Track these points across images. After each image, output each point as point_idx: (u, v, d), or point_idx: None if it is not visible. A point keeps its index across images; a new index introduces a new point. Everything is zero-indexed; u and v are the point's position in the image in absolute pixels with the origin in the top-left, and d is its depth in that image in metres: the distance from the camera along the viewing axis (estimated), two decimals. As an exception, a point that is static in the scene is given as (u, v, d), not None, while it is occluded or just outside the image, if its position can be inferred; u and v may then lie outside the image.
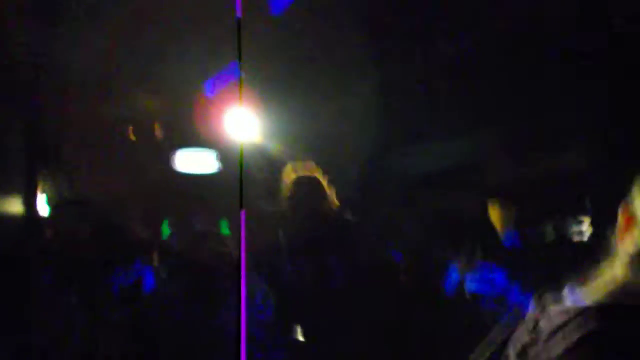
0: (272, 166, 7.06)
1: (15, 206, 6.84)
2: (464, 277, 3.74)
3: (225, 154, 6.64)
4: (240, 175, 1.08)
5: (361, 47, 5.26)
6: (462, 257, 3.96)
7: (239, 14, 1.20)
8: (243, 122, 4.30)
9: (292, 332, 3.89)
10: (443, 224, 5.68)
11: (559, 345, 0.91)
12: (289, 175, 4.10)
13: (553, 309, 1.00)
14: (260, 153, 6.16)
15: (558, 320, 0.95)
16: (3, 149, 6.12)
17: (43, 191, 8.24)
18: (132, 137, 8.22)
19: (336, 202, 4.11)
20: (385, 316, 3.71)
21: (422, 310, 3.74)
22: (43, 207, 8.27)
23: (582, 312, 0.93)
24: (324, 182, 4.11)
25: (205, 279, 2.49)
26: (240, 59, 1.25)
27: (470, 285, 3.75)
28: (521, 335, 1.04)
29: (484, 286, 3.69)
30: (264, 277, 3.73)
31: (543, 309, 1.02)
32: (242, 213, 1.05)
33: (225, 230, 6.80)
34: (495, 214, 4.49)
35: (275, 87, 5.82)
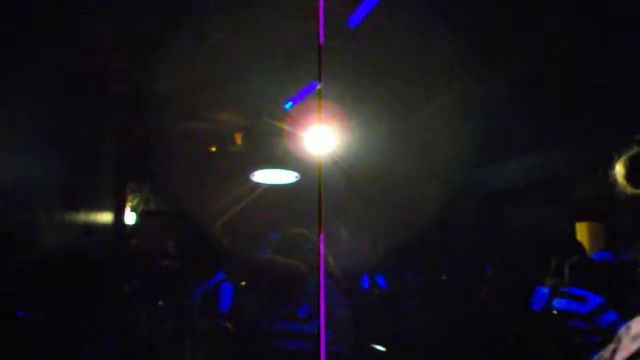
0: (350, 181, 7.11)
1: (106, 217, 7.24)
2: (552, 294, 3.60)
3: (304, 169, 6.73)
4: (320, 193, 1.09)
5: (445, 59, 5.19)
6: (550, 274, 3.81)
7: (321, 40, 1.23)
8: (322, 139, 4.35)
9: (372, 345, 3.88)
10: (531, 240, 5.49)
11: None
12: None
13: (634, 320, 0.99)
14: (339, 168, 6.20)
15: (637, 329, 0.95)
16: (94, 163, 6.49)
17: (131, 203, 8.68)
18: (216, 152, 8.51)
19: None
20: (472, 331, 3.63)
21: (508, 326, 3.64)
22: (131, 219, 8.70)
23: None
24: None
25: (287, 289, 2.52)
26: (320, 79, 1.27)
27: (558, 303, 3.60)
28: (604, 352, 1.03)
29: (572, 304, 3.53)
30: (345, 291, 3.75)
31: (627, 328, 1.01)
32: (322, 236, 1.06)
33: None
34: (584, 232, 4.29)
35: (355, 102, 5.85)
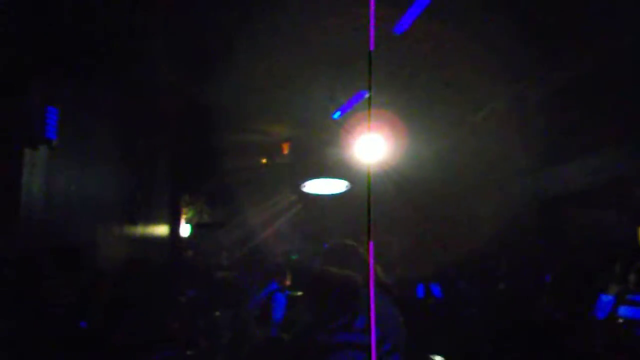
0: (401, 190, 7.05)
1: (162, 230, 7.42)
2: (617, 301, 3.45)
3: (354, 178, 6.72)
4: (369, 204, 1.08)
5: (499, 60, 5.09)
6: (613, 280, 3.65)
7: (372, 47, 1.22)
8: (372, 147, 4.33)
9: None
10: (593, 246, 5.29)
11: None
12: None
13: None
14: (389, 177, 6.16)
15: None
16: (151, 177, 6.66)
17: (186, 216, 8.87)
18: (267, 163, 8.61)
19: None
20: (530, 338, 3.53)
21: (569, 334, 3.51)
22: (186, 231, 8.90)
23: None
24: None
25: (344, 300, 2.51)
26: (370, 88, 1.26)
27: (623, 310, 3.45)
28: None
29: (638, 311, 3.37)
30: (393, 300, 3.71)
31: None
32: (371, 244, 1.05)
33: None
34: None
35: (405, 110, 5.80)
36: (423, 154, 6.46)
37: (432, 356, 3.65)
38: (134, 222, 5.92)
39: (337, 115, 6.07)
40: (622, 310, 3.43)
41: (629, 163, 5.66)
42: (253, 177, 8.24)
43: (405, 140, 5.83)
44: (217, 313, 5.18)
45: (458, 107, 6.22)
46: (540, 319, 3.81)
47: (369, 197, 1.12)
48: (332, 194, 7.35)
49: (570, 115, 5.73)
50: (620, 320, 3.39)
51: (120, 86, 5.04)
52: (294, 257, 6.87)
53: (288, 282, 5.12)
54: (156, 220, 6.92)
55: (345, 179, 6.98)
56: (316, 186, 7.46)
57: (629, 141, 5.49)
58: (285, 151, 8.17)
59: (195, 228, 9.04)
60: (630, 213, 5.73)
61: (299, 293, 4.61)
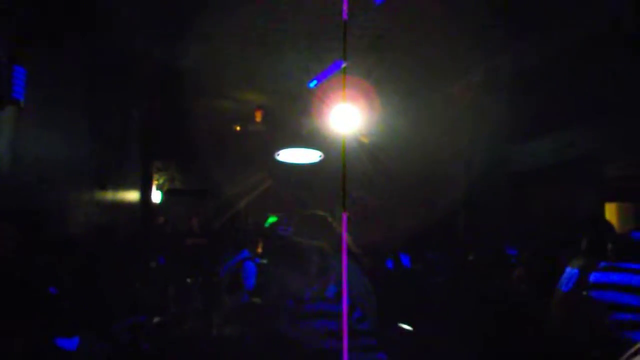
0: (375, 159, 7.08)
1: (133, 195, 7.34)
2: (581, 274, 3.53)
3: (328, 147, 6.71)
4: (344, 171, 1.08)
5: (475, 35, 5.09)
6: (578, 254, 3.74)
7: (345, 15, 1.21)
8: (347, 118, 4.33)
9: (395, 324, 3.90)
10: (559, 220, 5.40)
11: None
12: None
13: None
14: (364, 147, 6.17)
15: None
16: (122, 142, 6.56)
17: (157, 182, 8.79)
18: (241, 131, 8.55)
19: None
20: (500, 311, 3.62)
21: (536, 307, 3.61)
22: (157, 197, 8.81)
23: None
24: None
25: (314, 269, 2.53)
26: (345, 58, 1.25)
27: (611, 277, 3.53)
28: None
29: (632, 278, 3.45)
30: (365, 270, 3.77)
31: None
32: (344, 214, 1.06)
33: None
34: (613, 212, 4.21)
35: (381, 81, 5.79)
36: (397, 125, 6.49)
37: (400, 324, 3.73)
38: (104, 187, 5.84)
39: (312, 84, 6.04)
40: (610, 276, 3.51)
41: (596, 140, 5.77)
42: (225, 144, 8.17)
43: (380, 111, 5.84)
44: (188, 280, 5.18)
45: (433, 79, 6.23)
46: (507, 291, 3.90)
47: (343, 166, 1.12)
48: (306, 164, 7.34)
49: (541, 92, 5.79)
50: (584, 293, 3.48)
51: (92, 49, 4.91)
52: (266, 225, 6.87)
53: (259, 250, 5.13)
54: (127, 186, 6.84)
55: (319, 149, 6.98)
56: (290, 155, 7.44)
57: (596, 119, 5.59)
58: (259, 119, 8.11)
59: (167, 194, 8.97)
60: (597, 189, 5.86)
61: (267, 261, 4.64)
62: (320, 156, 6.95)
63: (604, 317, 3.34)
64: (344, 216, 1.09)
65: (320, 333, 2.28)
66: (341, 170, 1.14)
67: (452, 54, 5.47)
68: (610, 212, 5.32)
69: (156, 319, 3.43)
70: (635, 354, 0.99)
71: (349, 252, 3.41)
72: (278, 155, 7.32)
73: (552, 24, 4.89)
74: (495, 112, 6.30)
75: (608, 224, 3.92)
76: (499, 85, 6.14)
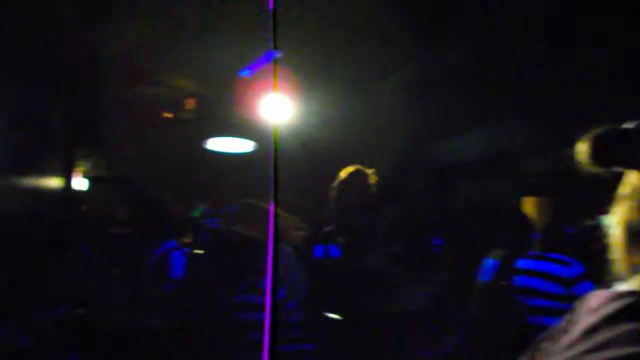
0: (306, 148, 7.12)
1: (55, 182, 7.05)
2: (500, 265, 3.71)
3: (260, 137, 6.69)
4: (275, 162, 1.09)
5: (396, 36, 5.23)
6: (497, 246, 3.92)
7: (271, 6, 1.21)
8: (278, 107, 4.33)
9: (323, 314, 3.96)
10: (480, 213, 5.63)
11: (591, 320, 0.93)
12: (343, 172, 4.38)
13: (593, 293, 1.02)
14: (295, 136, 6.19)
15: (597, 301, 0.97)
16: (44, 129, 6.29)
17: (81, 169, 8.47)
18: (170, 118, 8.36)
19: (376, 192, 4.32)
20: (420, 301, 3.74)
21: (458, 297, 3.75)
22: (82, 184, 8.50)
23: (619, 295, 0.95)
24: (370, 176, 4.34)
25: (233, 257, 2.52)
26: (275, 46, 1.26)
27: (539, 265, 3.71)
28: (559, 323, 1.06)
29: (556, 267, 3.64)
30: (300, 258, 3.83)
31: (585, 298, 1.03)
32: (272, 205, 1.07)
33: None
34: (532, 206, 4.43)
35: (314, 73, 5.83)
36: (330, 117, 6.55)
37: (327, 314, 3.78)
38: (23, 173, 5.58)
39: (245, 73, 5.99)
40: (538, 264, 3.69)
41: (514, 138, 6.09)
42: (154, 132, 7.98)
43: (313, 103, 5.87)
44: (112, 270, 5.04)
45: (363, 75, 6.33)
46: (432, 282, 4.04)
47: (275, 157, 1.13)
48: (238, 153, 7.29)
49: (466, 89, 6.02)
50: (503, 283, 3.65)
51: (8, 33, 4.66)
52: (195, 214, 6.78)
53: (188, 240, 5.05)
54: (48, 173, 6.55)
55: (251, 139, 6.94)
56: (221, 144, 7.36)
57: (515, 117, 5.89)
58: (190, 107, 7.96)
59: (92, 182, 8.65)
60: (516, 184, 6.17)
61: (199, 251, 4.58)
62: (253, 146, 6.91)
63: (521, 303, 3.53)
64: (272, 206, 1.10)
65: (251, 325, 2.29)
66: (273, 161, 1.15)
67: (382, 50, 5.59)
68: (528, 206, 5.60)
69: (80, 311, 3.32)
70: (544, 338, 1.06)
71: (286, 241, 3.43)
72: (209, 144, 7.22)
73: (471, 23, 5.08)
74: (422, 108, 6.49)
75: (526, 218, 4.14)
76: (425, 82, 6.33)
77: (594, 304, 0.97)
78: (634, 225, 0.99)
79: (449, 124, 6.49)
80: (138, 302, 3.85)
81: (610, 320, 0.91)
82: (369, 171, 4.41)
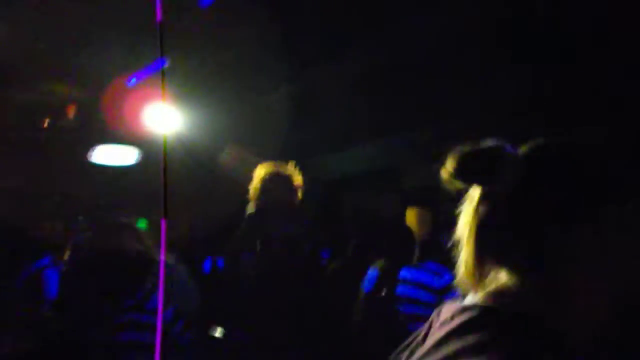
0: (195, 159, 6.96)
1: None
2: (381, 276, 3.83)
3: (147, 147, 6.48)
4: (165, 174, 1.07)
5: (285, 50, 5.31)
6: (380, 256, 4.05)
7: (159, 17, 1.20)
8: (166, 116, 4.22)
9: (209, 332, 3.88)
10: (364, 226, 5.82)
11: (443, 335, 0.99)
12: (261, 170, 3.89)
13: (445, 306, 1.07)
14: (184, 146, 6.05)
15: (446, 314, 1.03)
16: None
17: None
18: (49, 128, 7.85)
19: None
20: (309, 312, 3.77)
21: (341, 308, 3.82)
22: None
23: (464, 308, 1.02)
24: (295, 177, 3.89)
25: (118, 275, 2.40)
26: (162, 55, 1.25)
27: (413, 274, 3.85)
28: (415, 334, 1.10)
29: (428, 277, 3.79)
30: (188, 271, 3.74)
31: (439, 311, 1.09)
32: (163, 220, 1.05)
33: (142, 224, 6.59)
34: (413, 217, 4.63)
35: (199, 83, 5.76)
36: (218, 130, 6.48)
37: (212, 331, 3.72)
38: None
39: (131, 82, 5.79)
40: (413, 273, 3.84)
41: (397, 154, 6.41)
42: (32, 141, 7.45)
43: (201, 115, 5.79)
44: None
45: (255, 86, 6.34)
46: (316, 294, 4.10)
47: (165, 169, 1.11)
48: (123, 165, 7.00)
49: (355, 105, 6.22)
50: (383, 294, 3.79)
51: None
52: (76, 229, 6.40)
53: (65, 257, 4.76)
54: None
55: (137, 149, 6.69)
56: (104, 155, 7.03)
57: (397, 133, 6.20)
58: (71, 115, 7.52)
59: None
60: (399, 197, 6.45)
61: (76, 268, 4.33)
62: (139, 157, 6.67)
63: (398, 312, 3.68)
64: (163, 222, 1.08)
65: (135, 346, 2.18)
66: (161, 173, 1.12)
67: (274, 62, 5.63)
68: (411, 217, 5.87)
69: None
70: (403, 348, 1.11)
71: (175, 257, 3.33)
72: (91, 154, 6.87)
73: (368, 41, 5.27)
74: (312, 121, 6.61)
75: (407, 229, 4.33)
76: (316, 95, 6.46)
77: (444, 317, 1.03)
78: (484, 236, 1.04)
79: (339, 137, 6.67)
80: (7, 324, 3.57)
81: (456, 333, 0.97)
82: (294, 171, 3.93)
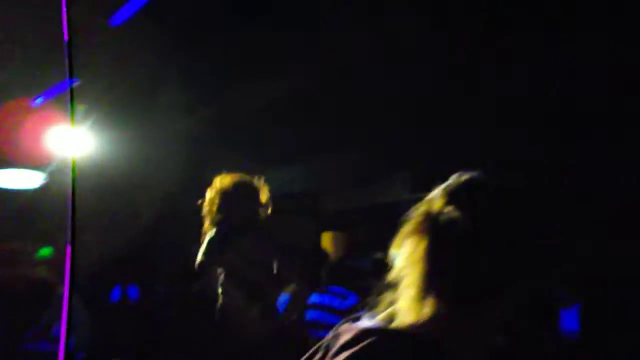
0: (104, 182, 6.70)
1: None
2: (292, 300, 3.81)
3: (54, 170, 6.18)
4: (73, 197, 1.04)
5: (199, 72, 5.27)
6: (294, 279, 4.04)
7: (66, 37, 1.18)
8: (73, 139, 4.06)
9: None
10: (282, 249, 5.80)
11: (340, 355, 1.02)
12: (223, 179, 3.58)
13: (343, 328, 1.11)
14: (92, 170, 5.82)
15: (345, 337, 1.06)
16: None
17: None
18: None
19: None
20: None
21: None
22: None
23: (365, 333, 1.06)
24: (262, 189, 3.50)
25: (15, 303, 2.27)
26: (70, 77, 1.22)
27: (320, 298, 3.86)
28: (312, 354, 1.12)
29: (334, 300, 3.81)
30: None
31: (336, 330, 1.12)
32: (68, 246, 1.02)
33: (45, 251, 6.26)
34: (328, 241, 4.69)
35: (114, 106, 5.59)
36: (130, 154, 6.29)
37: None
38: None
39: (38, 101, 5.52)
40: (320, 297, 3.84)
41: (312, 177, 6.49)
42: None
43: (114, 138, 5.61)
44: None
45: (169, 110, 6.22)
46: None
47: (73, 191, 1.08)
48: (27, 189, 6.62)
49: (272, 130, 6.25)
50: (293, 318, 3.78)
51: None
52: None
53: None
54: None
55: (43, 172, 6.36)
56: (6, 178, 6.64)
57: (313, 157, 6.29)
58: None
59: None
60: (315, 220, 6.52)
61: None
62: (45, 179, 6.34)
63: (308, 337, 3.69)
64: (68, 247, 1.04)
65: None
66: (69, 197, 1.09)
67: (188, 86, 5.57)
68: (326, 241, 5.94)
69: None
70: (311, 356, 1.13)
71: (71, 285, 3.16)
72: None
73: (284, 65, 5.32)
74: (225, 146, 6.56)
75: (322, 252, 4.38)
76: (234, 119, 6.43)
77: (344, 341, 1.06)
78: (431, 275, 1.08)
79: (256, 160, 6.65)
80: None
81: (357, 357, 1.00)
82: (260, 184, 3.54)
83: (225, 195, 3.36)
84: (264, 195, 3.44)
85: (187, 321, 4.61)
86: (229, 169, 6.78)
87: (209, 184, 3.79)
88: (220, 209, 3.35)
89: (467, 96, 4.61)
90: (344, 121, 5.61)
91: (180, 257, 6.38)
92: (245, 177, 3.50)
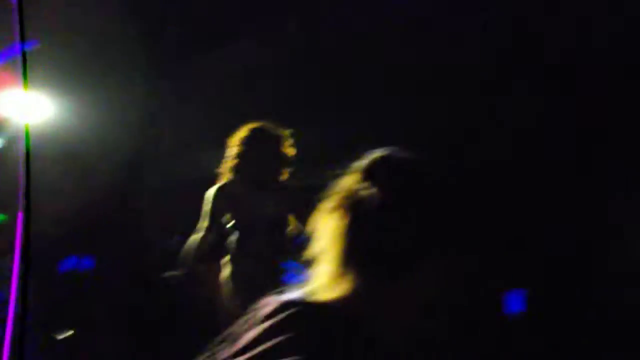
0: (60, 149, 6.52)
1: None
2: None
3: (7, 136, 5.99)
4: (27, 164, 1.02)
5: (152, 43, 5.13)
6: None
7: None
8: (27, 104, 3.93)
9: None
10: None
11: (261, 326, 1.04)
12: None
13: (265, 301, 1.12)
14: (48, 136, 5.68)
15: (267, 309, 1.08)
16: None
17: None
18: None
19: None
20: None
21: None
22: None
23: (286, 304, 1.08)
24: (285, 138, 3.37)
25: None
26: (23, 39, 1.18)
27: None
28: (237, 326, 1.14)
29: None
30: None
31: (259, 303, 1.13)
32: (20, 215, 1.00)
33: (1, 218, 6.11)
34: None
35: (70, 69, 5.42)
36: (86, 120, 6.13)
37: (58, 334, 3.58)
38: None
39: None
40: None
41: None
42: None
43: (67, 104, 5.45)
44: None
45: (127, 74, 6.08)
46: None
47: (27, 159, 1.05)
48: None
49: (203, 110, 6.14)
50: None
51: None
52: None
53: None
54: None
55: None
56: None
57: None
58: None
59: None
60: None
61: None
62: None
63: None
64: (20, 215, 1.03)
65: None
66: (23, 165, 1.06)
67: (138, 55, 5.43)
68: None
69: None
70: (222, 341, 1.13)
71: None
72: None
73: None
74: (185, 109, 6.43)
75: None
76: (179, 92, 6.29)
77: (264, 313, 1.08)
78: (351, 251, 1.10)
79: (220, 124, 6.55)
80: None
81: (273, 331, 1.02)
82: (282, 132, 3.35)
83: (243, 144, 3.31)
84: (288, 147, 3.33)
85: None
86: (190, 134, 6.69)
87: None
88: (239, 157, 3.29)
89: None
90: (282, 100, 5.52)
91: (140, 226, 6.33)
92: (263, 124, 3.38)
